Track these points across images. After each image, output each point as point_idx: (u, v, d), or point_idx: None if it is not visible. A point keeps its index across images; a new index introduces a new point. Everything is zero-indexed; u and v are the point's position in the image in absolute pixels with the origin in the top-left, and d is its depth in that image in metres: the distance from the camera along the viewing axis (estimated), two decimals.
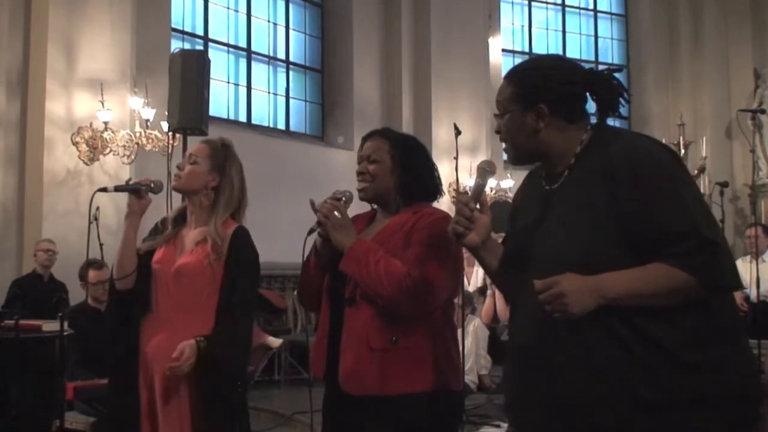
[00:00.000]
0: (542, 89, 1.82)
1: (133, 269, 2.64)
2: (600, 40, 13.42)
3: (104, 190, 2.68)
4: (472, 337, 6.15)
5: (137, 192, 2.63)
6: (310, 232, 2.39)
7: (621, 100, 1.83)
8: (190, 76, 5.79)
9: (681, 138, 10.84)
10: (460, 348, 2.61)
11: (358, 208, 2.54)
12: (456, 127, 6.08)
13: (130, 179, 2.70)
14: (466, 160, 9.74)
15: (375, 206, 2.53)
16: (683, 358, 1.63)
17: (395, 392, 2.22)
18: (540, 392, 1.75)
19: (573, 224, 1.73)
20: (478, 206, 1.89)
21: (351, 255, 2.25)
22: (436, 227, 2.29)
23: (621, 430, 1.65)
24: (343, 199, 2.41)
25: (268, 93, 10.19)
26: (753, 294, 6.61)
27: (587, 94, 1.85)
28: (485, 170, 1.95)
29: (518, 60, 12.72)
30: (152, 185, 2.67)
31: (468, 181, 9.94)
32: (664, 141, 1.91)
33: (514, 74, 1.90)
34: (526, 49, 12.88)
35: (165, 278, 2.63)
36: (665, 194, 1.66)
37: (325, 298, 2.45)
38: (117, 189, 2.70)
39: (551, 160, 1.86)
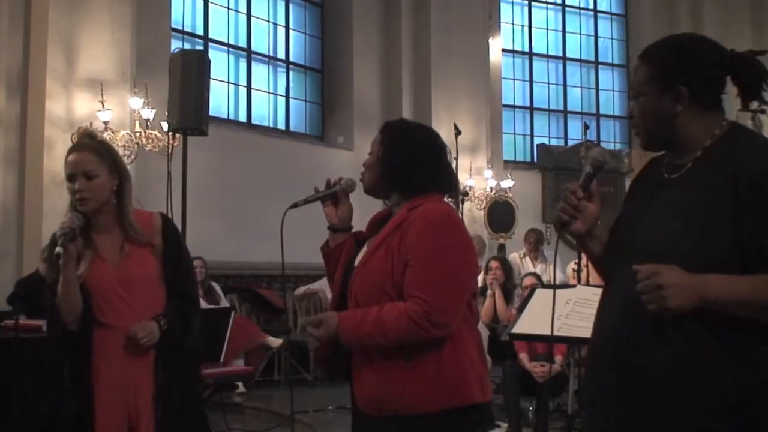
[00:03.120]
0: (683, 70, 1.70)
1: (81, 307, 2.51)
2: (600, 40, 13.42)
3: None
4: None
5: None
6: (293, 206, 2.34)
7: (764, 85, 1.73)
8: (190, 76, 5.78)
9: None
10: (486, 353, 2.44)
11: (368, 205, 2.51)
12: (456, 127, 6.10)
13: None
14: (466, 160, 9.75)
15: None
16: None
17: (414, 412, 2.09)
18: (612, 390, 1.70)
19: (686, 218, 1.65)
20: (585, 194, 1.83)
21: (344, 338, 2.13)
22: (433, 231, 2.13)
23: None
24: (341, 185, 2.37)
25: (268, 93, 10.19)
26: None
27: (727, 79, 1.74)
28: (596, 159, 1.87)
29: (518, 60, 12.77)
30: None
31: (468, 181, 9.96)
32: None
33: (650, 53, 1.77)
34: (526, 49, 12.87)
35: (108, 292, 2.54)
36: None
37: (334, 293, 2.37)
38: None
39: (679, 149, 1.75)
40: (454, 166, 6.43)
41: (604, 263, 1.89)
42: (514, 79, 12.65)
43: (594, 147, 1.87)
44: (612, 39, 13.55)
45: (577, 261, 6.26)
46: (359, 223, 2.43)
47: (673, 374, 1.61)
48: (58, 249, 2.37)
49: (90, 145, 2.60)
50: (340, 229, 2.39)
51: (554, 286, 5.29)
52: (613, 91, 13.40)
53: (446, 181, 2.34)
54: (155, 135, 7.17)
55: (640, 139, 1.81)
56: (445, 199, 2.37)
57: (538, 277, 6.39)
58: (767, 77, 1.72)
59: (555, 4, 13.13)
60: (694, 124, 1.73)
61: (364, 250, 2.30)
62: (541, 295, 4.31)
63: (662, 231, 1.67)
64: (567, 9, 13.23)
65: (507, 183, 10.67)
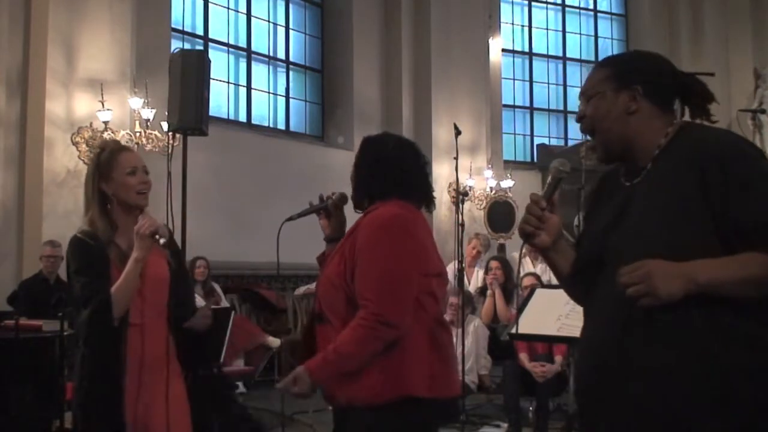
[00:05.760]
0: (638, 71, 1.80)
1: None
2: (600, 40, 13.43)
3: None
4: (472, 337, 6.14)
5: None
6: (288, 219, 2.44)
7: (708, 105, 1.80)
8: (190, 76, 5.77)
9: None
10: (458, 349, 2.49)
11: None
12: (456, 127, 6.09)
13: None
14: (466, 160, 9.74)
15: None
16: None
17: (363, 403, 2.19)
18: (612, 389, 1.69)
19: (660, 215, 1.66)
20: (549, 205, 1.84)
21: (321, 383, 2.26)
22: (378, 234, 2.20)
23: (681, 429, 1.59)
24: (333, 199, 2.48)
25: (268, 93, 10.19)
26: None
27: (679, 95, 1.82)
28: (558, 169, 1.88)
29: (518, 60, 12.77)
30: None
31: (468, 181, 9.96)
32: None
33: (610, 59, 1.88)
34: (526, 49, 12.88)
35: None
36: (756, 185, 1.61)
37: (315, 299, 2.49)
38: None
39: (635, 152, 1.78)
40: (453, 166, 6.48)
41: (575, 283, 1.89)
42: (514, 79, 12.65)
43: (557, 159, 1.90)
44: (612, 39, 13.55)
45: None
46: None
47: (663, 369, 1.61)
48: (164, 240, 2.47)
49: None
50: (333, 240, 2.49)
51: (546, 286, 5.29)
52: None
53: (409, 187, 2.34)
54: (155, 135, 7.17)
55: (597, 152, 1.84)
56: (423, 210, 2.40)
57: (537, 277, 6.38)
58: (711, 98, 1.80)
59: (555, 4, 13.13)
60: (647, 125, 1.77)
61: None
62: (541, 295, 4.30)
63: (642, 234, 1.68)
64: (567, 9, 13.23)
65: (507, 183, 10.67)
